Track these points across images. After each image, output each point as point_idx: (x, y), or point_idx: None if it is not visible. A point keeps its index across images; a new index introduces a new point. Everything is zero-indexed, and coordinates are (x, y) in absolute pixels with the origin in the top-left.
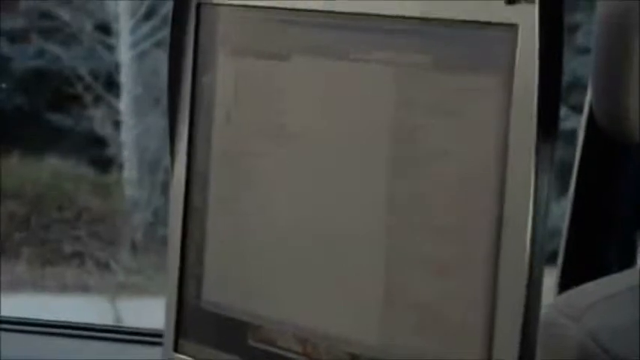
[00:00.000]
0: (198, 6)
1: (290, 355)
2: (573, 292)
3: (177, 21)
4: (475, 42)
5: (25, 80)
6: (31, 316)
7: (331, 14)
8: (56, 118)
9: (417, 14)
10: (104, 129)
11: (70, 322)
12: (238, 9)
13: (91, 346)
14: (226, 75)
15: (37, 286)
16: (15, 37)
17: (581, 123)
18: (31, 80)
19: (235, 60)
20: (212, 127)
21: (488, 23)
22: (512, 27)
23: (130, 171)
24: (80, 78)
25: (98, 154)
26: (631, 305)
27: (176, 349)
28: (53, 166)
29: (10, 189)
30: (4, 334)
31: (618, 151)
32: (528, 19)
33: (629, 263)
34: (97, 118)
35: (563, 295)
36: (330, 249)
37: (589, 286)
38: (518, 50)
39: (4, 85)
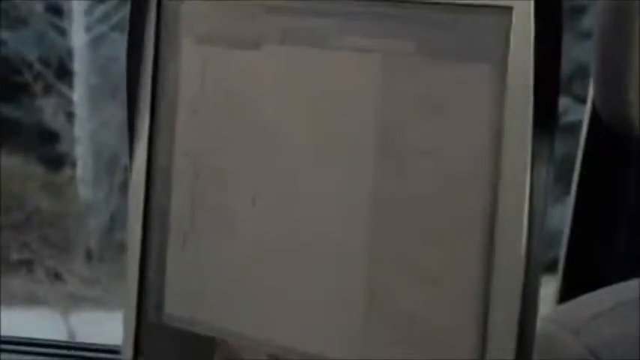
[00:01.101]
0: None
1: None
2: (573, 304)
3: (137, 6)
4: (465, 27)
5: None
6: None
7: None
8: (2, 110)
9: None
10: (56, 122)
11: (19, 337)
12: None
13: None
14: (191, 65)
15: None
16: None
17: (585, 115)
18: None
19: (201, 49)
20: (176, 122)
21: (480, 6)
22: (506, 10)
23: (84, 169)
24: (29, 65)
25: (49, 150)
26: (632, 319)
27: None
28: None
29: None
30: None
31: (624, 146)
32: (523, 1)
33: (634, 270)
34: (47, 111)
35: (563, 307)
36: (307, 256)
37: (589, 298)
38: (512, 35)
39: None
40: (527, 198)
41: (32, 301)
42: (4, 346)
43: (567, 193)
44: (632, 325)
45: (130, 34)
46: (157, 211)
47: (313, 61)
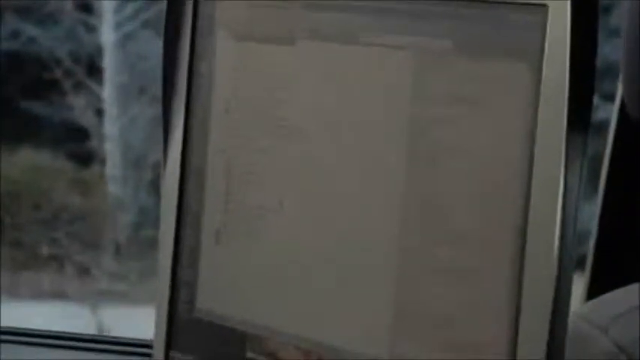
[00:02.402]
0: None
1: None
2: (601, 301)
3: (173, 3)
4: (500, 24)
5: None
6: (5, 325)
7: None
8: (32, 107)
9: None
10: (85, 119)
11: (49, 331)
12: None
13: (73, 357)
14: (226, 62)
15: (11, 293)
16: None
17: (613, 113)
18: (5, 64)
19: (236, 45)
20: (210, 120)
21: (515, 3)
22: (542, 7)
23: (112, 166)
24: (59, 62)
25: (78, 147)
26: None
27: None
28: (28, 159)
29: None
30: None
31: None
32: (559, 0)
33: None
34: (77, 107)
35: (591, 303)
36: (338, 254)
37: (617, 294)
38: (547, 33)
39: None
40: (560, 198)
41: (62, 296)
42: (33, 340)
43: (595, 191)
44: None
45: (166, 32)
46: (190, 209)
47: (345, 58)
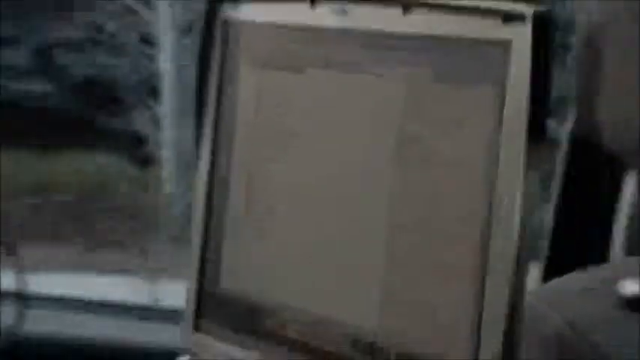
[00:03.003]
0: (225, 23)
1: (295, 336)
2: (554, 283)
3: (205, 36)
4: (472, 57)
5: (78, 86)
6: (78, 293)
7: (344, 31)
8: (102, 120)
9: (420, 32)
10: (145, 130)
11: (112, 301)
12: (260, 25)
13: (130, 324)
14: (247, 86)
15: (86, 267)
16: (70, 47)
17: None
18: (84, 87)
19: (256, 72)
20: (234, 135)
21: (485, 40)
22: (507, 43)
23: (167, 168)
24: (126, 84)
25: (140, 152)
26: (605, 297)
27: (196, 329)
28: (101, 162)
29: (62, 183)
30: (45, 311)
31: (597, 160)
32: (521, 37)
33: (603, 260)
34: (139, 121)
35: (545, 285)
36: (336, 242)
37: (568, 278)
38: (511, 64)
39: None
40: (518, 201)
41: (125, 272)
42: (99, 309)
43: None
44: (606, 302)
45: (200, 61)
46: (216, 208)
47: (347, 84)
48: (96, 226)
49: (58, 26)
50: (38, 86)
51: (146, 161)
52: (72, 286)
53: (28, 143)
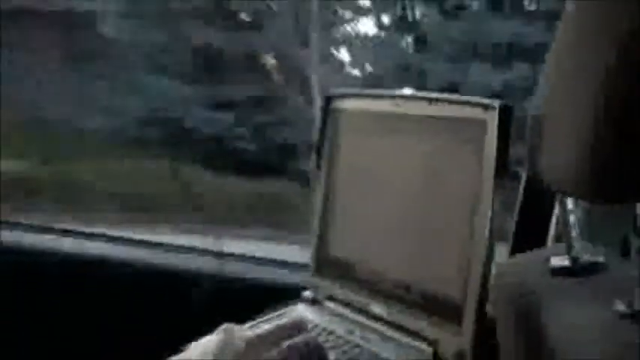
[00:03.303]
0: (334, 109)
1: (367, 279)
2: (514, 259)
3: (323, 117)
4: (465, 128)
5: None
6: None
7: (396, 116)
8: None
9: (437, 114)
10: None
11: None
12: (352, 111)
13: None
14: (342, 145)
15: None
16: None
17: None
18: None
19: (347, 138)
20: (335, 171)
21: (472, 119)
22: (484, 121)
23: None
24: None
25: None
26: (541, 267)
27: (315, 275)
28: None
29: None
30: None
31: (539, 188)
32: (492, 118)
33: (542, 244)
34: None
35: (510, 260)
36: (389, 230)
37: (522, 255)
38: (487, 133)
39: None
40: (490, 213)
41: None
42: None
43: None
44: (544, 271)
45: (320, 130)
46: (325, 210)
47: (391, 147)
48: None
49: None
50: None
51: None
52: (260, 251)
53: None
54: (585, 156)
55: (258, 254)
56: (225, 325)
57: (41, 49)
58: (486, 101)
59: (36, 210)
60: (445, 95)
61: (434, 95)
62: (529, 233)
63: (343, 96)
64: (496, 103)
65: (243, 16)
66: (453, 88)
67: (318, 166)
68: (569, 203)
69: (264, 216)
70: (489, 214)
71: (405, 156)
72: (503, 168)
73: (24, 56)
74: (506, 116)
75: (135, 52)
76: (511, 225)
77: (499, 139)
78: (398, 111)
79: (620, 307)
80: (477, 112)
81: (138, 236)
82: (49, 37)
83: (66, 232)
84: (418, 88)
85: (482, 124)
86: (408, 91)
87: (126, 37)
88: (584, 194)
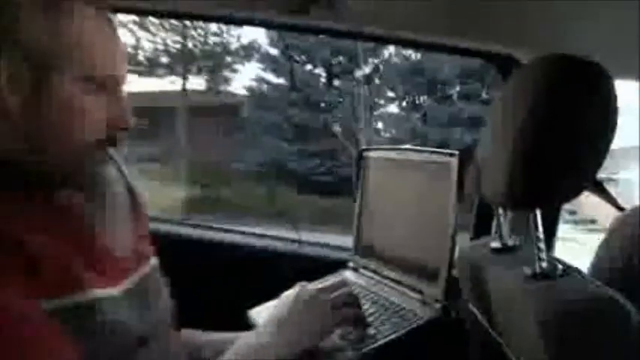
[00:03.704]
0: (365, 156)
1: (386, 257)
2: (471, 244)
3: (357, 161)
4: (438, 168)
5: None
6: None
7: (399, 160)
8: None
9: (417, 159)
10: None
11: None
12: (375, 157)
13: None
14: (370, 178)
15: None
16: None
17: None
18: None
19: (373, 174)
20: (366, 193)
21: (441, 162)
22: (449, 163)
23: None
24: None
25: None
26: (486, 248)
27: (354, 253)
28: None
29: None
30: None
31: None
32: (454, 161)
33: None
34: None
35: (468, 244)
36: (397, 227)
37: (474, 242)
38: (452, 172)
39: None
40: (454, 219)
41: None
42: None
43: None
44: (487, 252)
45: (357, 169)
46: (360, 216)
47: (396, 178)
48: None
49: None
50: None
51: None
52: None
53: None
54: (506, 182)
55: (322, 241)
56: (299, 283)
57: (207, 126)
58: (450, 151)
59: (196, 217)
60: (427, 148)
61: (420, 148)
62: (480, 228)
63: (368, 150)
64: (456, 152)
65: (322, 104)
66: (443, 143)
67: (356, 190)
68: (500, 210)
69: (329, 220)
70: (453, 217)
71: (405, 183)
72: (460, 190)
73: (198, 132)
74: (461, 160)
75: (258, 125)
76: (471, 222)
77: (458, 172)
78: (400, 157)
79: (526, 270)
80: (445, 158)
81: (247, 229)
82: (214, 118)
83: (211, 228)
84: (420, 144)
85: (448, 165)
86: (405, 145)
87: (254, 116)
88: (507, 204)
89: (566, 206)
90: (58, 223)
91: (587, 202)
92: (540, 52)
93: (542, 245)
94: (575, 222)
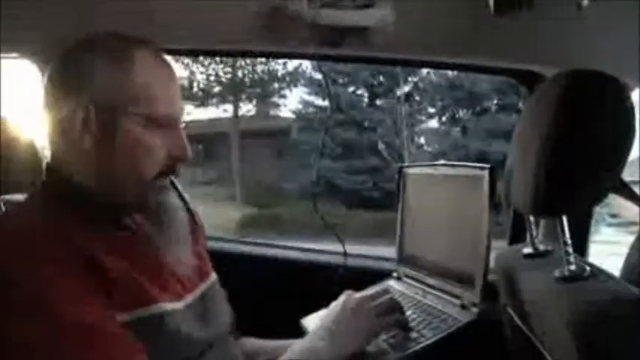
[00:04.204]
0: (404, 173)
1: (426, 266)
2: (506, 250)
3: (398, 177)
4: (472, 180)
5: None
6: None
7: (435, 175)
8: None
9: (452, 173)
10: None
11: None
12: (414, 173)
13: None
14: (409, 191)
15: None
16: None
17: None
18: None
19: (411, 188)
20: (407, 202)
21: (474, 175)
22: (482, 177)
23: None
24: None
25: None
26: (519, 254)
27: (398, 263)
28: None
29: None
30: None
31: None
32: (485, 175)
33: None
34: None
35: (503, 250)
36: (435, 233)
37: (510, 248)
38: (484, 184)
39: None
40: (488, 227)
41: None
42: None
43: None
44: (520, 255)
45: (397, 185)
46: (402, 228)
47: (434, 191)
48: None
49: None
50: None
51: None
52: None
53: None
54: (532, 190)
55: (369, 252)
56: (345, 291)
57: (258, 149)
58: (482, 165)
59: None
60: (460, 163)
61: (453, 163)
62: (516, 235)
63: (408, 166)
64: (487, 166)
65: (365, 123)
66: (483, 155)
67: (398, 203)
68: (531, 218)
69: (375, 232)
70: (487, 226)
71: (442, 196)
72: (492, 201)
73: (250, 155)
74: (492, 174)
75: (307, 145)
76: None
77: (490, 186)
78: (436, 172)
79: (556, 273)
80: (478, 172)
81: (298, 244)
82: (265, 142)
83: (264, 245)
84: (461, 156)
85: (481, 178)
86: (441, 161)
87: (304, 138)
88: (533, 212)
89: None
90: (128, 246)
91: (628, 205)
92: (562, 68)
93: (569, 249)
94: (619, 224)
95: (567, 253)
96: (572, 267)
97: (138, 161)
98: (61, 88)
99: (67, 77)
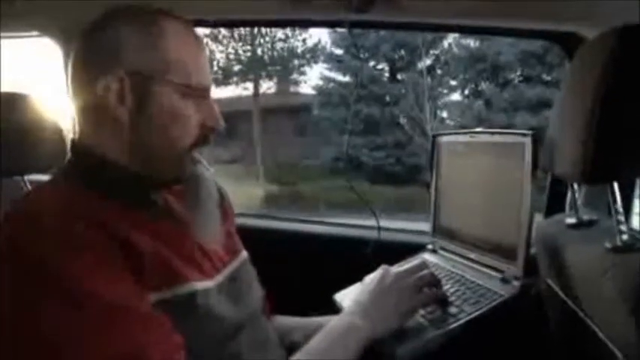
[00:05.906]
0: (437, 143)
1: (465, 238)
2: (546, 221)
3: (431, 146)
4: (513, 148)
5: None
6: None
7: (473, 143)
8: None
9: (491, 140)
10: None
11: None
12: (447, 142)
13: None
14: (443, 159)
15: None
16: None
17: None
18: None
19: (446, 157)
20: (440, 174)
21: (517, 142)
22: (523, 143)
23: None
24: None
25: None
26: (562, 224)
27: (432, 235)
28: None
29: None
30: None
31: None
32: (528, 141)
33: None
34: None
35: (543, 221)
36: (472, 207)
37: (549, 219)
38: (525, 150)
39: None
40: (529, 197)
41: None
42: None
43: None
44: (562, 227)
45: (430, 154)
46: (436, 200)
47: (471, 160)
48: None
49: None
50: None
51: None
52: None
53: None
54: (581, 157)
55: (399, 226)
56: (382, 266)
57: (280, 126)
58: (525, 132)
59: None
60: (501, 130)
61: (492, 130)
62: (552, 206)
63: (441, 134)
64: (529, 132)
65: (387, 98)
66: (508, 127)
67: (431, 174)
68: (575, 186)
69: (400, 207)
70: (529, 196)
71: (480, 165)
72: (534, 169)
73: (271, 132)
74: (535, 140)
75: (329, 121)
76: (544, 201)
77: (532, 153)
78: (473, 140)
79: (607, 244)
80: (519, 138)
81: (333, 220)
82: (286, 119)
83: (289, 219)
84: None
85: (522, 145)
86: (479, 128)
87: (325, 114)
88: (580, 180)
89: None
90: (156, 223)
91: None
92: (605, 27)
93: (621, 218)
94: None
95: (619, 222)
96: (625, 237)
97: (173, 132)
98: (92, 64)
99: (97, 51)
